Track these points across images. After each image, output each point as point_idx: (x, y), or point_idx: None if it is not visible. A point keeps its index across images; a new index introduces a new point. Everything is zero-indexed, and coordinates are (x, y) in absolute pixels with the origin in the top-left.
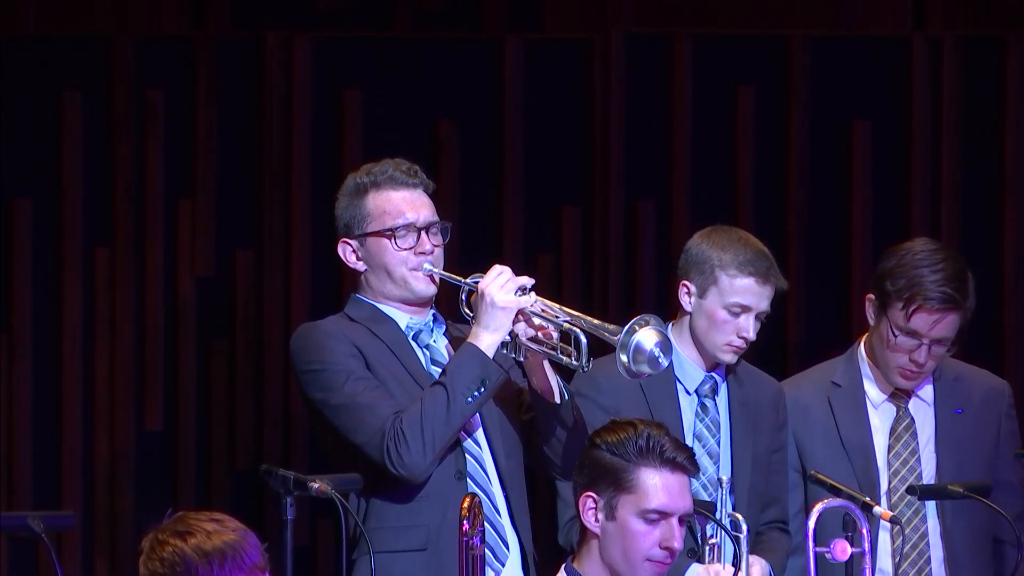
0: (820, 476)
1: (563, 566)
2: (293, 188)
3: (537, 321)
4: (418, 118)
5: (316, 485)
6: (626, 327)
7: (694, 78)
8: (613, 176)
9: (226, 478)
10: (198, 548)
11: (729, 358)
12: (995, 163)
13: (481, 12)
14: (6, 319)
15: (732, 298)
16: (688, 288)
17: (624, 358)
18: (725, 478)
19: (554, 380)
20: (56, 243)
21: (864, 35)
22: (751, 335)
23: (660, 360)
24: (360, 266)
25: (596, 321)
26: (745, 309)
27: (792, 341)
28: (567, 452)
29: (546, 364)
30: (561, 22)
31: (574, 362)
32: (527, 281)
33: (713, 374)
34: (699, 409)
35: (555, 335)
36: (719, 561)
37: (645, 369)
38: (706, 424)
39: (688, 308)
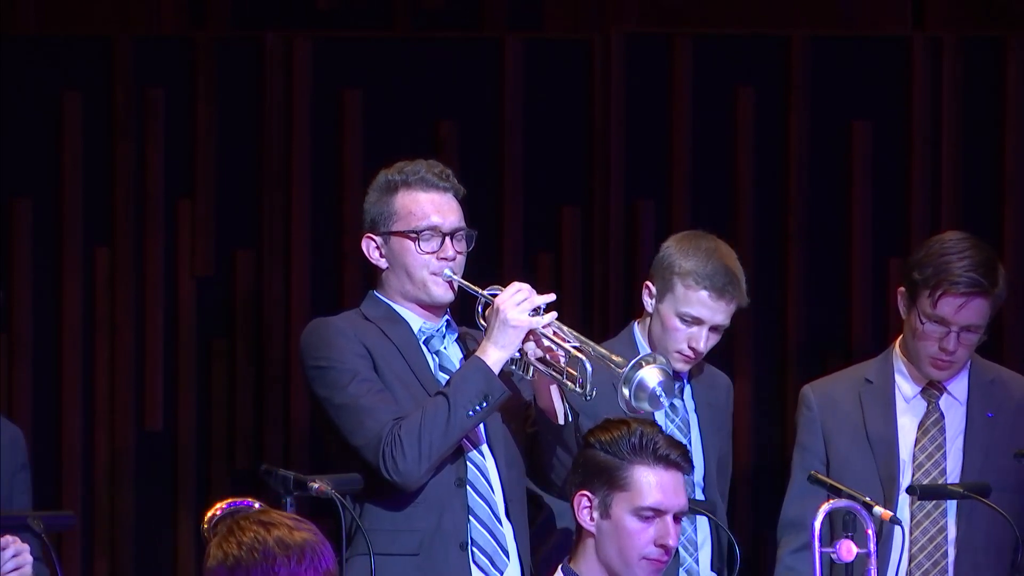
0: (819, 476)
1: (559, 566)
2: (293, 188)
3: (546, 343)
4: (418, 118)
5: (316, 485)
6: (632, 362)
7: (694, 78)
8: (613, 176)
9: (226, 478)
10: (280, 540)
11: (679, 366)
12: (995, 163)
13: (481, 12)
14: (6, 319)
15: (684, 308)
16: (650, 289)
17: (626, 392)
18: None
19: (559, 402)
20: (56, 243)
21: (864, 35)
22: (701, 347)
23: (661, 399)
24: (382, 263)
25: (604, 351)
26: (697, 321)
27: (792, 341)
28: (565, 472)
29: (552, 386)
30: (561, 22)
31: (577, 388)
32: (543, 301)
33: (681, 374)
34: (668, 410)
35: (563, 359)
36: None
37: (645, 406)
38: (677, 424)
39: (648, 309)
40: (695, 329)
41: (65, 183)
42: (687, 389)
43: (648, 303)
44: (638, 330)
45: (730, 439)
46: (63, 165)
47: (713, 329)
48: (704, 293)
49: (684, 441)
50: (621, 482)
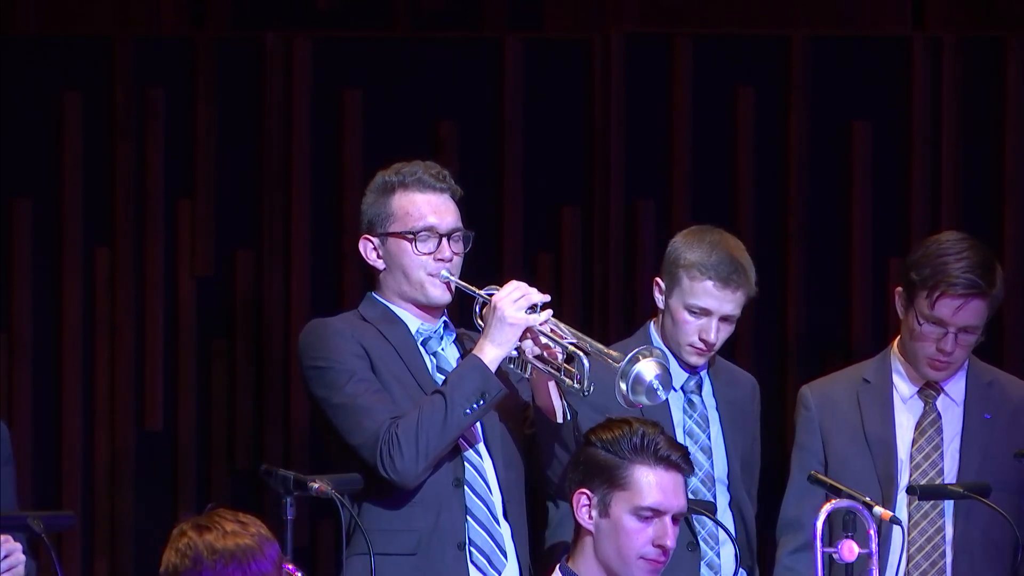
0: (819, 476)
1: (558, 565)
2: (293, 188)
3: (543, 340)
4: (418, 118)
5: (316, 485)
6: (628, 356)
7: (694, 78)
8: (613, 176)
9: (226, 478)
10: (210, 545)
11: (694, 360)
12: (995, 163)
13: (481, 12)
14: (6, 319)
15: (691, 299)
16: (659, 285)
17: (623, 386)
18: None
19: (557, 400)
20: (56, 243)
21: (864, 35)
22: (712, 338)
23: (659, 392)
24: (379, 264)
25: (600, 346)
26: (705, 312)
27: (792, 341)
28: (562, 470)
29: (551, 384)
30: (561, 22)
31: (575, 385)
32: (540, 299)
33: (697, 371)
34: (686, 405)
35: (560, 356)
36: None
37: (643, 400)
38: (695, 420)
39: (659, 305)
40: (704, 320)
41: (65, 183)
42: (706, 386)
43: (659, 299)
44: (653, 329)
45: (756, 438)
46: (63, 165)
47: (723, 320)
48: (709, 283)
49: (703, 437)
50: (621, 481)
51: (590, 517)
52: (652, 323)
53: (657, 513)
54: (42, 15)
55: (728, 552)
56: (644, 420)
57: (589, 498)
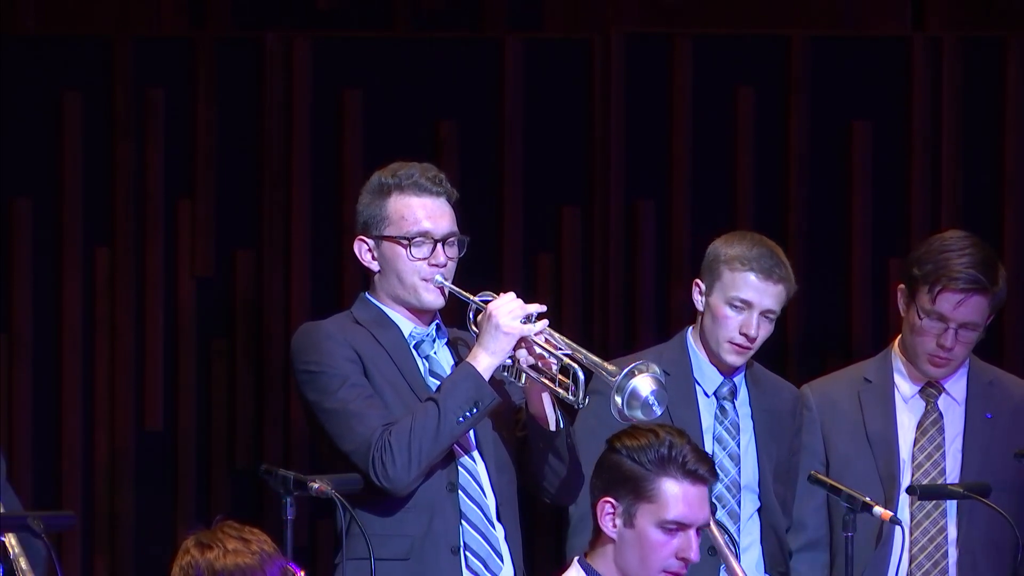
0: (819, 476)
1: (576, 560)
2: (293, 188)
3: (538, 350)
4: (418, 118)
5: (316, 485)
6: (625, 370)
7: (694, 78)
8: (613, 176)
9: (226, 478)
10: (210, 564)
11: (732, 358)
12: (995, 163)
13: (481, 12)
14: (6, 319)
15: (733, 292)
16: (699, 287)
17: (618, 400)
18: None
19: (550, 408)
20: (56, 243)
21: (864, 35)
22: (753, 332)
23: (654, 408)
24: (374, 266)
25: (596, 359)
26: (747, 304)
27: (792, 341)
28: (558, 480)
29: (544, 393)
30: (561, 22)
31: (570, 396)
32: (535, 309)
33: (731, 378)
34: (718, 412)
35: (555, 367)
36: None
37: (638, 415)
38: (725, 427)
39: (699, 307)
40: (745, 315)
41: (65, 183)
42: (741, 393)
43: (699, 300)
44: (691, 335)
45: (796, 450)
46: (63, 165)
47: (764, 316)
48: (751, 275)
49: (732, 444)
50: (647, 493)
51: (614, 525)
52: (690, 329)
53: (682, 526)
54: (42, 15)
55: (752, 558)
56: (671, 429)
57: (614, 507)
